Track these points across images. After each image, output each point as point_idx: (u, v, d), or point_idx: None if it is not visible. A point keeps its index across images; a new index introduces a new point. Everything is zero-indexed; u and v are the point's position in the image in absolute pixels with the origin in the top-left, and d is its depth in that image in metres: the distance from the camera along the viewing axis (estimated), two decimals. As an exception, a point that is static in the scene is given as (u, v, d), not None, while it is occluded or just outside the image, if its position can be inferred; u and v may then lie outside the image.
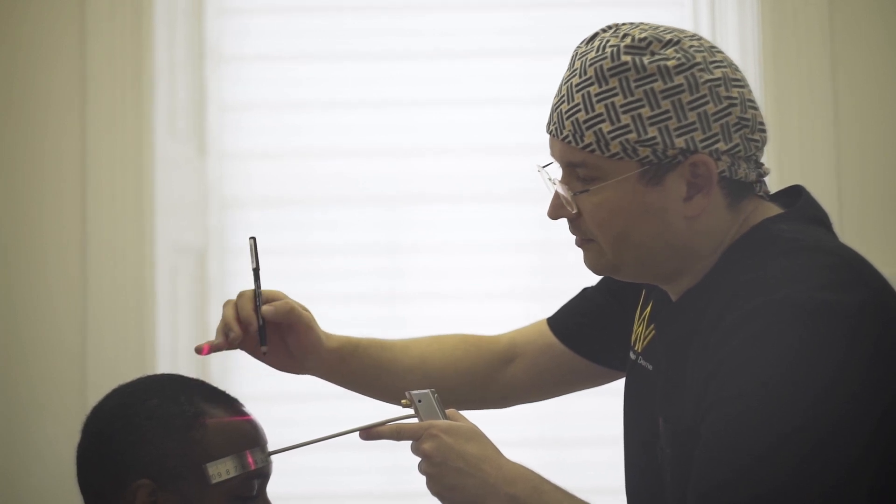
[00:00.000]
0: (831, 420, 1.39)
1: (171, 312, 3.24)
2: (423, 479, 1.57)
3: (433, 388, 1.62)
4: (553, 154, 1.59)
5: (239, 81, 3.39)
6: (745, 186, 1.56)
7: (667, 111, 1.50)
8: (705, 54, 1.53)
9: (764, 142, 1.56)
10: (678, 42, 1.52)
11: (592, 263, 1.60)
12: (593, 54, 1.53)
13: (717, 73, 1.52)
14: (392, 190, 3.42)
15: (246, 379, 3.29)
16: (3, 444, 3.12)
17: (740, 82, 1.54)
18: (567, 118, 1.54)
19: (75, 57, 3.14)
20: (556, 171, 1.60)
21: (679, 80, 1.50)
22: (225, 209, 3.38)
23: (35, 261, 3.15)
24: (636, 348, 1.71)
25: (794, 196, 1.61)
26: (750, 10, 3.17)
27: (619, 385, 1.81)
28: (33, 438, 3.13)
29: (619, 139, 1.51)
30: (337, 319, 3.35)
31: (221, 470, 1.51)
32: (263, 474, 1.56)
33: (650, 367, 1.65)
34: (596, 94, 1.52)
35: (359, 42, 3.43)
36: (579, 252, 1.61)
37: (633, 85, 1.50)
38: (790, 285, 1.44)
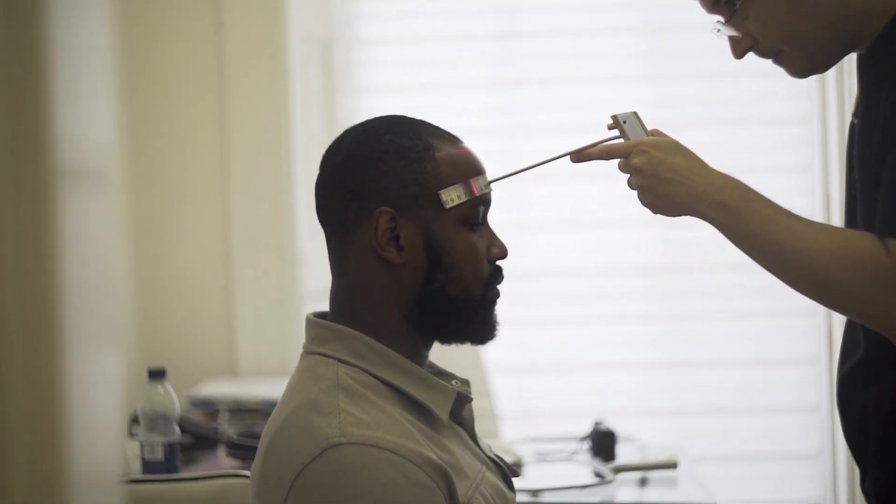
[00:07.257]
0: None
1: (304, 102, 3.37)
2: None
3: (636, 111, 1.72)
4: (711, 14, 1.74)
5: None
6: None
7: None
8: None
9: None
10: None
11: (792, 71, 1.73)
12: None
13: None
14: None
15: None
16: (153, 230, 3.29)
17: None
18: None
19: None
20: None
21: None
22: (350, 0, 3.47)
23: (170, 50, 3.27)
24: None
25: None
26: None
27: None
28: (178, 222, 3.30)
29: None
30: (452, 106, 3.49)
31: (453, 196, 1.63)
32: (486, 201, 1.68)
33: (856, 121, 1.73)
34: None
35: None
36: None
37: None
38: None
